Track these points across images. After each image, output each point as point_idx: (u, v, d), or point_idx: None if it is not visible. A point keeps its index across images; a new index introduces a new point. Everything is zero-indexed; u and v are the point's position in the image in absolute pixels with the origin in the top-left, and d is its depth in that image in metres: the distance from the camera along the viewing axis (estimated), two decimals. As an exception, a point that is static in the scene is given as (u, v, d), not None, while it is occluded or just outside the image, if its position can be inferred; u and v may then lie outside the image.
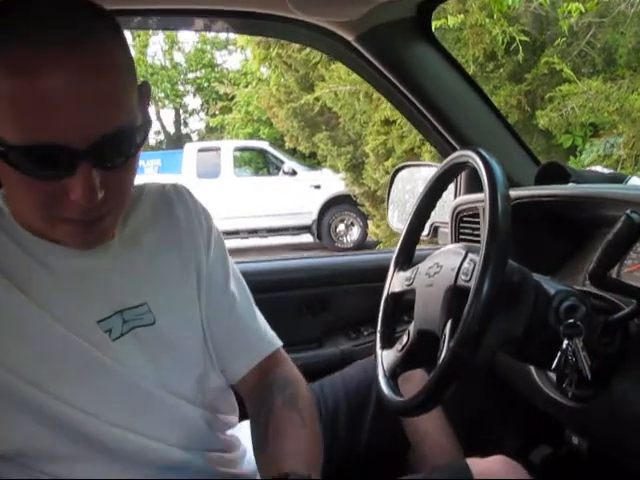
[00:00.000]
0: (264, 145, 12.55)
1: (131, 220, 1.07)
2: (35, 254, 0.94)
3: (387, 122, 6.32)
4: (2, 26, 0.79)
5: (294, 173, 11.05)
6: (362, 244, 10.20)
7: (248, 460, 1.19)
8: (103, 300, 0.98)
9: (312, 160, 11.68)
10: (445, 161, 1.22)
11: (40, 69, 0.77)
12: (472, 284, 0.96)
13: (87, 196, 0.82)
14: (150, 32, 18.41)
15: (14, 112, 0.78)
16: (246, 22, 1.81)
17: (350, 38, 1.61)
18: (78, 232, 0.90)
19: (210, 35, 19.45)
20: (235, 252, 1.21)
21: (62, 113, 0.78)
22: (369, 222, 8.48)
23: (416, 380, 1.30)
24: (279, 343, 1.22)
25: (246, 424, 1.20)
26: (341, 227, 10.54)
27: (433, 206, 1.28)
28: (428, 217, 1.30)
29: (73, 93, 0.78)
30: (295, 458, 0.99)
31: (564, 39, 5.23)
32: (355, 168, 7.50)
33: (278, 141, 13.10)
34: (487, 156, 1.05)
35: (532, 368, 1.33)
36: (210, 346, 1.13)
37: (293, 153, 11.94)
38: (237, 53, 19.15)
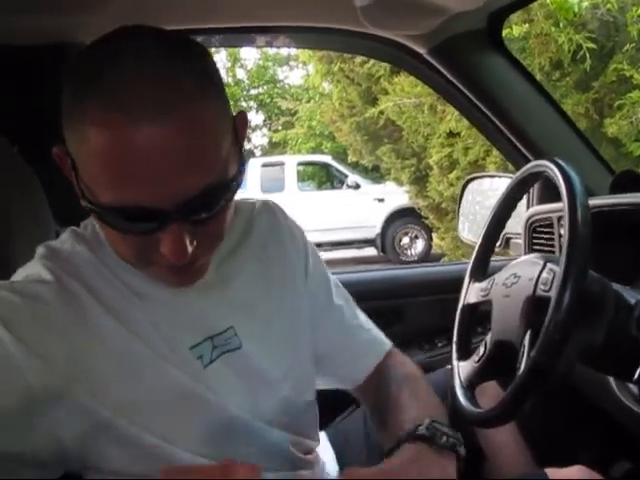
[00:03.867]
0: (327, 159, 12.60)
1: (224, 244, 1.02)
2: (132, 286, 0.94)
3: (451, 134, 6.28)
4: (90, 84, 0.78)
5: (357, 186, 11.05)
6: (426, 257, 10.13)
7: (327, 473, 1.20)
8: (194, 326, 0.98)
9: (375, 173, 11.68)
10: (521, 171, 1.22)
11: (127, 132, 0.75)
12: (552, 294, 0.95)
13: (177, 254, 0.82)
14: (212, 50, 18.70)
15: (103, 173, 0.78)
16: (314, 37, 1.83)
17: (422, 51, 1.62)
18: (171, 274, 0.90)
19: (272, 51, 19.65)
20: None
21: (148, 176, 0.77)
22: (433, 235, 8.42)
23: (490, 392, 1.29)
24: (389, 343, 1.26)
25: (322, 435, 1.21)
26: (405, 240, 10.49)
27: (509, 216, 1.28)
28: (503, 227, 1.29)
29: (159, 156, 0.77)
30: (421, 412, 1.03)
31: (633, 45, 5.12)
32: (419, 180, 7.47)
33: (341, 155, 13.13)
34: (565, 166, 1.04)
35: (612, 380, 1.30)
36: (303, 368, 1.12)
37: (356, 167, 11.95)
38: (299, 69, 19.30)
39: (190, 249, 0.83)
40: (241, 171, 0.89)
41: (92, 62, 0.80)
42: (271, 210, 1.17)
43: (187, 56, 0.82)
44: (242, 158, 0.92)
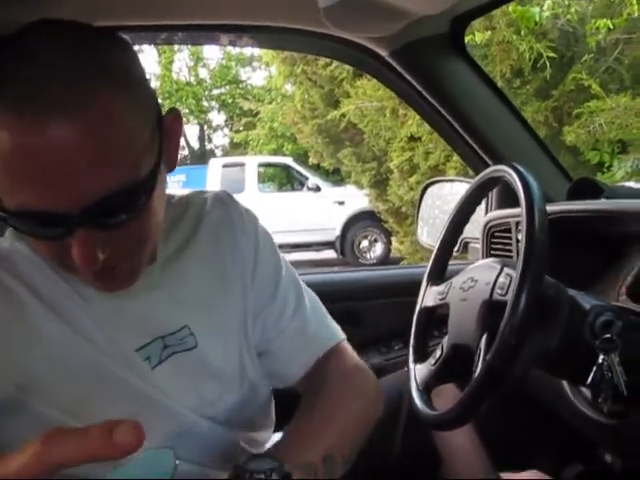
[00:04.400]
0: (288, 161, 12.61)
1: (172, 241, 1.03)
2: (75, 286, 0.91)
3: (412, 138, 6.32)
4: None
5: (318, 189, 11.07)
6: (385, 260, 10.18)
7: None
8: (141, 327, 0.95)
9: (336, 176, 11.71)
10: (480, 176, 1.23)
11: (23, 133, 0.71)
12: (509, 298, 0.96)
13: (85, 260, 0.77)
14: (175, 48, 18.58)
15: (4, 178, 0.74)
16: (277, 37, 1.82)
17: (384, 53, 1.62)
18: (94, 280, 0.85)
19: (235, 51, 19.62)
20: None
21: (48, 179, 0.72)
22: (393, 238, 8.47)
23: (447, 395, 1.29)
24: (337, 337, 1.18)
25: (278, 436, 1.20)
26: (364, 243, 10.54)
27: (467, 221, 1.29)
28: (461, 232, 1.30)
29: (57, 158, 0.72)
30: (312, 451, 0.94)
31: (592, 55, 5.21)
32: (379, 184, 7.50)
33: (302, 157, 13.14)
34: (523, 171, 1.05)
35: (565, 384, 1.32)
36: (254, 364, 1.09)
37: (317, 169, 11.97)
38: (262, 70, 19.31)
39: (101, 256, 0.79)
40: (156, 172, 0.82)
41: (5, 56, 0.76)
42: (223, 202, 1.12)
43: (97, 50, 0.78)
44: (171, 158, 0.89)
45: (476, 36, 5.01)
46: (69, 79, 0.73)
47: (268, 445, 1.17)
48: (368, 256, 10.49)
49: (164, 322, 0.98)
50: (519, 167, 1.07)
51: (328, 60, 6.67)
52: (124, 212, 0.79)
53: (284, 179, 13.49)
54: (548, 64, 5.08)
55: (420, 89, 1.69)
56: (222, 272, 1.06)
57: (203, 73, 20.07)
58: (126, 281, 0.89)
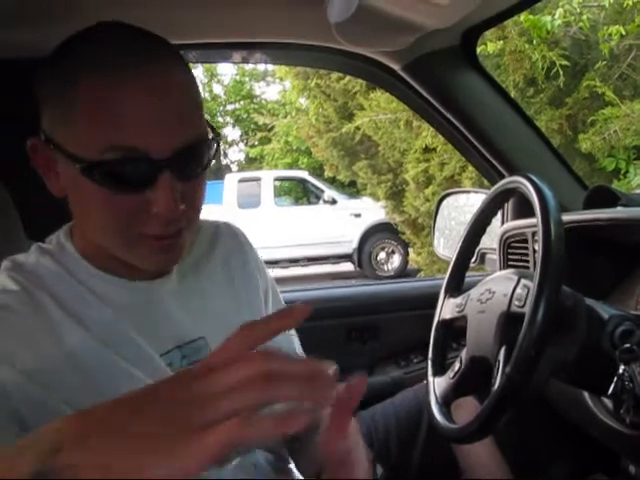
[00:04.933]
0: (304, 175, 12.62)
1: (188, 258, 1.06)
2: (97, 291, 0.93)
3: (427, 150, 6.32)
4: (79, 55, 0.84)
5: (334, 202, 11.07)
6: (403, 272, 10.15)
7: None
8: (164, 334, 0.97)
9: (352, 189, 11.71)
10: (495, 187, 1.23)
11: (120, 82, 0.80)
12: (526, 310, 0.96)
13: (169, 206, 0.84)
14: (190, 65, 18.64)
15: (95, 123, 0.81)
16: (289, 53, 1.83)
17: (396, 67, 1.63)
18: (156, 251, 0.90)
19: (248, 67, 19.70)
20: (276, 281, 1.23)
21: (144, 122, 0.81)
22: (410, 250, 8.45)
23: (467, 407, 1.29)
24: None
25: None
26: (382, 255, 10.51)
27: (483, 232, 1.29)
28: (478, 243, 1.30)
29: (154, 105, 0.81)
30: None
31: (605, 62, 5.19)
32: (395, 196, 7.49)
33: (317, 170, 13.17)
34: (538, 182, 1.05)
35: (586, 395, 1.31)
36: None
37: (332, 182, 11.98)
38: (275, 84, 19.35)
39: (181, 207, 0.85)
40: (217, 145, 0.93)
41: (83, 43, 0.86)
42: (234, 231, 1.18)
43: (163, 40, 0.90)
44: (216, 138, 0.95)
45: (488, 46, 5.00)
46: (149, 47, 0.86)
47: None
48: (386, 268, 10.47)
49: (182, 331, 1.00)
50: (534, 177, 1.07)
51: (341, 74, 6.69)
52: (198, 165, 0.89)
53: (300, 193, 13.49)
54: (561, 72, 5.07)
55: (433, 102, 1.69)
56: (236, 292, 1.10)
57: (217, 89, 20.16)
58: (177, 256, 0.94)
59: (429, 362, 1.26)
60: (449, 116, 1.71)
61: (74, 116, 0.82)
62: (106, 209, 0.86)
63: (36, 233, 1.06)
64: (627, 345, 1.01)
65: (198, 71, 19.35)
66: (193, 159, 0.87)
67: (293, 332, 1.21)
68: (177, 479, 0.51)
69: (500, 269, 1.71)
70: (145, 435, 0.52)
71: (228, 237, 1.16)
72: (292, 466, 1.20)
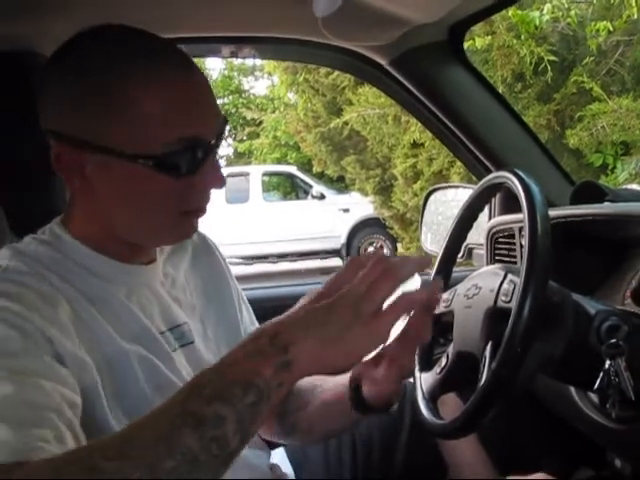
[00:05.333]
0: (292, 170, 12.62)
1: (162, 250, 1.10)
2: (98, 272, 0.96)
3: (415, 145, 6.33)
4: (125, 60, 0.90)
5: (322, 197, 11.08)
6: (391, 267, 10.16)
7: None
8: (159, 316, 1.01)
9: (340, 184, 11.71)
10: (481, 182, 1.22)
11: (177, 82, 0.90)
12: (513, 305, 0.95)
13: (220, 177, 0.95)
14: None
15: (163, 120, 0.88)
16: (277, 48, 1.83)
17: (383, 62, 1.63)
18: (193, 225, 1.00)
19: (237, 62, 19.62)
20: (264, 277, 1.25)
21: (203, 114, 0.92)
22: (398, 245, 8.47)
23: (451, 403, 1.29)
24: None
25: (281, 450, 1.20)
26: (370, 250, 10.52)
27: (470, 227, 1.28)
28: (464, 238, 1.30)
29: (206, 93, 0.93)
30: None
31: (592, 58, 5.22)
32: (383, 191, 7.51)
33: (306, 165, 13.15)
34: (525, 177, 1.05)
35: (572, 389, 1.31)
36: None
37: (321, 177, 11.97)
38: (264, 79, 19.32)
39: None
40: None
41: (117, 49, 0.91)
42: (204, 238, 1.22)
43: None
44: None
45: (476, 41, 5.02)
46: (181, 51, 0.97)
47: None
48: (374, 263, 10.47)
49: (172, 315, 1.04)
50: (520, 173, 1.07)
51: (329, 68, 6.69)
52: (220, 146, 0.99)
53: (288, 188, 13.50)
54: (549, 68, 5.09)
55: (420, 96, 1.69)
56: (209, 292, 1.16)
57: (206, 84, 20.10)
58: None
59: (416, 357, 1.25)
60: (436, 111, 1.70)
61: (129, 116, 0.88)
62: (162, 194, 0.92)
63: (21, 231, 1.05)
64: (613, 340, 1.00)
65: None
66: (223, 136, 0.99)
67: None
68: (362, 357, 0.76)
69: (487, 264, 1.71)
70: (339, 329, 0.72)
71: (199, 240, 1.20)
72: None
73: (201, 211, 0.98)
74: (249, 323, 1.21)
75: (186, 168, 0.91)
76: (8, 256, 0.93)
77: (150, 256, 1.04)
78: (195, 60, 0.99)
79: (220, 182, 0.95)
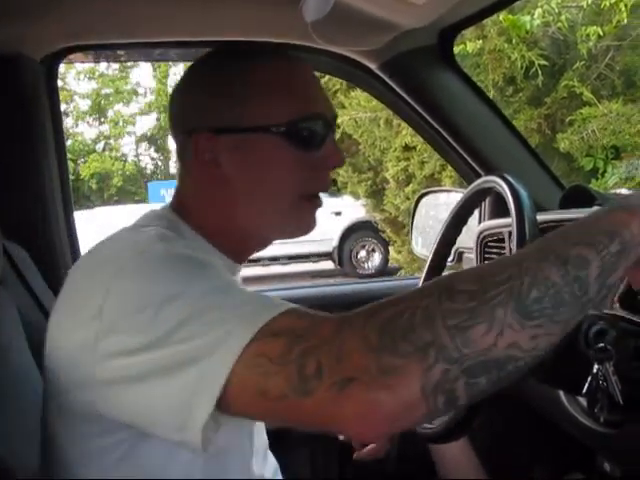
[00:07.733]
0: (284, 172, 12.60)
1: None
2: (212, 262, 0.91)
3: (407, 148, 6.33)
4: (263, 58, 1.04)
5: (314, 200, 11.06)
6: (383, 270, 10.16)
7: None
8: None
9: (332, 187, 11.69)
10: (471, 187, 1.23)
11: (300, 67, 1.04)
12: (501, 309, 0.95)
13: (342, 157, 1.03)
14: (170, 63, 18.61)
15: (292, 95, 0.99)
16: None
17: (373, 66, 1.64)
18: (312, 212, 1.08)
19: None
20: (256, 280, 1.25)
21: (321, 94, 1.04)
22: (390, 248, 8.46)
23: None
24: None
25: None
26: (362, 253, 10.52)
27: (459, 231, 1.29)
28: (454, 242, 1.30)
29: (317, 80, 1.06)
30: None
31: (583, 62, 5.23)
32: (376, 194, 7.51)
33: (298, 168, 13.12)
34: (513, 182, 1.05)
35: (561, 393, 1.31)
36: None
37: (313, 180, 11.96)
38: (256, 82, 19.29)
39: None
40: None
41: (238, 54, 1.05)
42: None
43: None
44: None
45: (467, 45, 5.02)
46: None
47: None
48: (366, 266, 10.48)
49: None
50: (509, 177, 1.07)
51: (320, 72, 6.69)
52: None
53: (280, 191, 13.49)
54: (540, 72, 5.11)
55: (410, 101, 1.69)
56: None
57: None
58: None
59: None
60: (426, 115, 1.71)
61: (262, 95, 0.99)
62: (289, 167, 1.00)
63: (11, 232, 1.05)
64: (601, 344, 1.01)
65: (179, 68, 19.26)
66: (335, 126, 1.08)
67: None
68: None
69: (477, 268, 1.71)
70: None
71: None
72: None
73: (319, 199, 1.06)
74: None
75: (311, 141, 0.99)
76: (153, 238, 0.89)
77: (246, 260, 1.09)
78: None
79: (340, 160, 1.03)
